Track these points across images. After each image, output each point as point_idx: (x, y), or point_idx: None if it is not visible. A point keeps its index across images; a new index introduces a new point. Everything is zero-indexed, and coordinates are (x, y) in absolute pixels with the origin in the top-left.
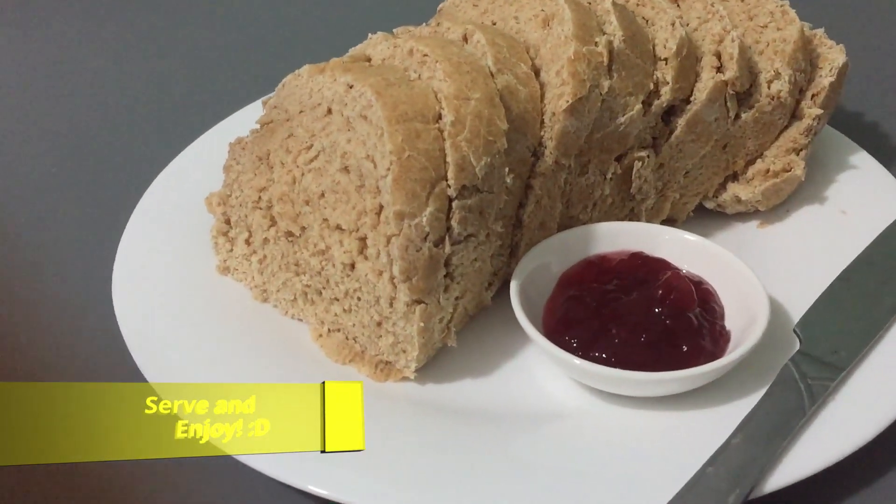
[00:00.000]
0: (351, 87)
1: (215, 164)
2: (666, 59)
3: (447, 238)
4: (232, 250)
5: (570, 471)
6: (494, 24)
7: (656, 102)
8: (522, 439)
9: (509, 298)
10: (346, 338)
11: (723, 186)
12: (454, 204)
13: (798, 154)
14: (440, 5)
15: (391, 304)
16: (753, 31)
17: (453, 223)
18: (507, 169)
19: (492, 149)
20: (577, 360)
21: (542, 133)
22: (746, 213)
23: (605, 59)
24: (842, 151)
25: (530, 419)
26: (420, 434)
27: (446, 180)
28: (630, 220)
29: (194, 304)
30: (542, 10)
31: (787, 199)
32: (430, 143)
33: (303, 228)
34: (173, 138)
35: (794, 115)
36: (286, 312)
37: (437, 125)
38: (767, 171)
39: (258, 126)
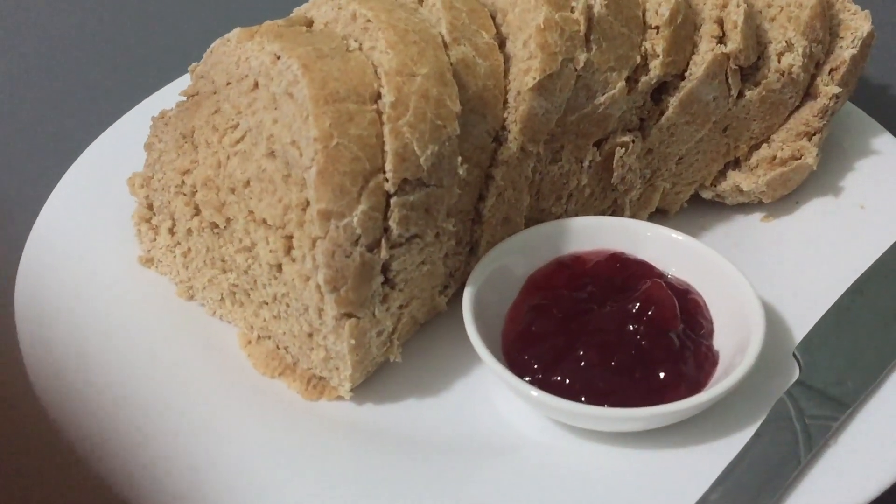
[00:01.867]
0: (278, 57)
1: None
2: (657, 28)
3: (384, 241)
4: (155, 240)
5: None
6: None
7: (644, 79)
8: (475, 475)
9: None
10: (278, 346)
11: (722, 174)
12: (393, 201)
13: (810, 139)
14: None
15: (320, 315)
16: None
17: (392, 223)
18: (459, 158)
19: (440, 135)
20: (535, 392)
21: (506, 115)
22: (749, 205)
23: (582, 28)
24: (863, 134)
25: (485, 451)
26: (355, 463)
27: (383, 173)
28: (613, 212)
29: (107, 301)
30: None
31: (795, 190)
32: (365, 128)
33: (228, 220)
34: (101, 113)
35: (808, 94)
36: (213, 313)
37: (374, 106)
38: (774, 157)
39: (184, 98)
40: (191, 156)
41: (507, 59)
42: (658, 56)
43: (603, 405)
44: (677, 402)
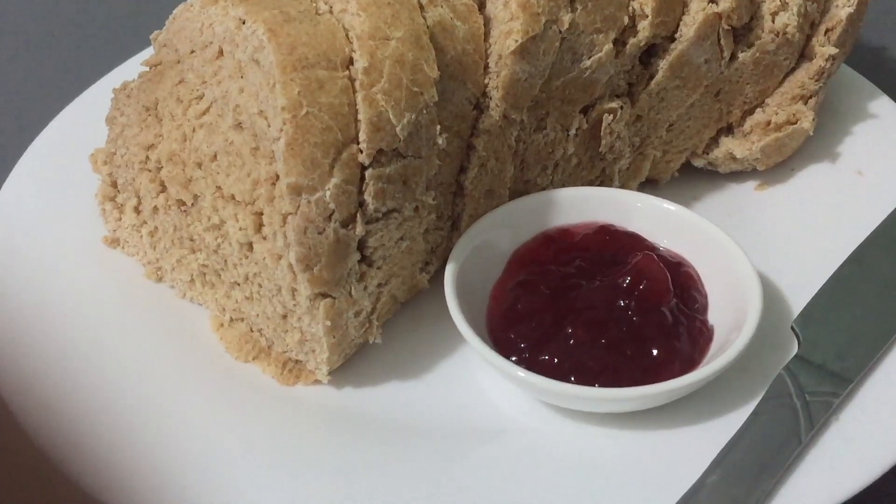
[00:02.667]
0: (243, 22)
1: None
2: None
3: (359, 216)
4: (121, 219)
5: (517, 500)
6: None
7: (632, 41)
8: (460, 460)
9: None
10: (251, 329)
11: (714, 141)
12: (368, 173)
13: (806, 102)
14: None
15: (293, 296)
16: None
17: (367, 197)
18: (438, 127)
19: (417, 102)
20: (522, 373)
21: (487, 81)
22: (742, 173)
23: None
24: (860, 97)
25: (470, 435)
26: (335, 451)
27: (357, 143)
28: (602, 182)
29: (71, 284)
30: None
31: (791, 157)
32: (337, 96)
33: (195, 197)
34: (64, 88)
35: (803, 55)
36: (184, 295)
37: (346, 73)
38: (769, 123)
39: (147, 69)
40: (154, 129)
41: (486, 22)
42: (647, 16)
43: (594, 385)
44: (671, 380)
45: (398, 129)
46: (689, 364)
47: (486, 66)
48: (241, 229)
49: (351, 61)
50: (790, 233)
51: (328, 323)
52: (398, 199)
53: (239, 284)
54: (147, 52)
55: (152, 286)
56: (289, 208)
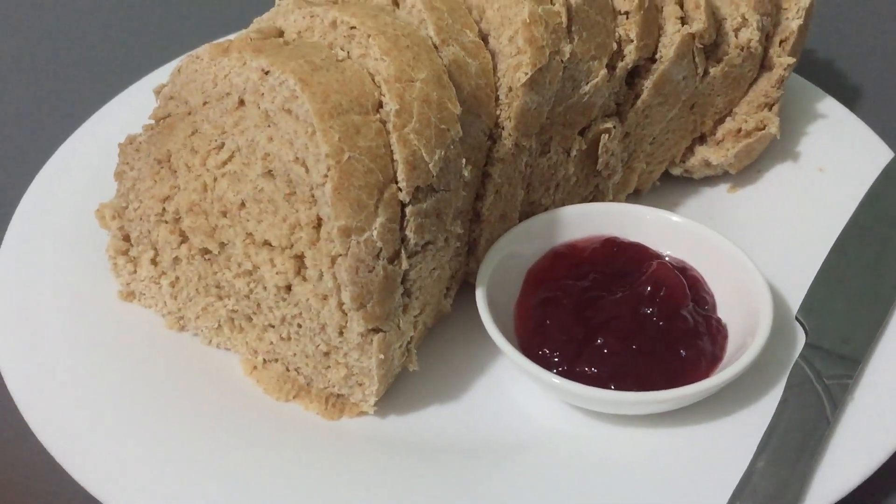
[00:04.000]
0: (267, 72)
1: (98, 163)
2: (626, 13)
3: (403, 251)
4: (135, 272)
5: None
6: None
7: (620, 64)
8: (510, 472)
9: (466, 301)
10: (287, 369)
11: (690, 150)
12: (408, 210)
13: (770, 109)
14: None
15: (341, 334)
16: None
17: (408, 233)
18: (464, 160)
19: (445, 139)
20: (573, 386)
21: (498, 112)
22: (715, 177)
23: (564, 20)
24: (810, 101)
25: (514, 447)
26: (389, 477)
27: (396, 183)
28: (595, 197)
29: (92, 344)
30: None
31: (757, 159)
32: (373, 139)
33: (222, 245)
34: (42, 136)
35: (763, 66)
36: (209, 342)
37: (377, 116)
38: (739, 130)
39: (152, 122)
40: (169, 181)
41: (492, 57)
42: (632, 41)
43: (632, 390)
44: (709, 378)
45: (431, 165)
46: (713, 361)
47: (497, 99)
48: (278, 273)
49: (380, 104)
50: (767, 229)
51: (381, 356)
52: (433, 232)
53: (274, 326)
54: (122, 95)
55: (174, 336)
56: (339, 250)
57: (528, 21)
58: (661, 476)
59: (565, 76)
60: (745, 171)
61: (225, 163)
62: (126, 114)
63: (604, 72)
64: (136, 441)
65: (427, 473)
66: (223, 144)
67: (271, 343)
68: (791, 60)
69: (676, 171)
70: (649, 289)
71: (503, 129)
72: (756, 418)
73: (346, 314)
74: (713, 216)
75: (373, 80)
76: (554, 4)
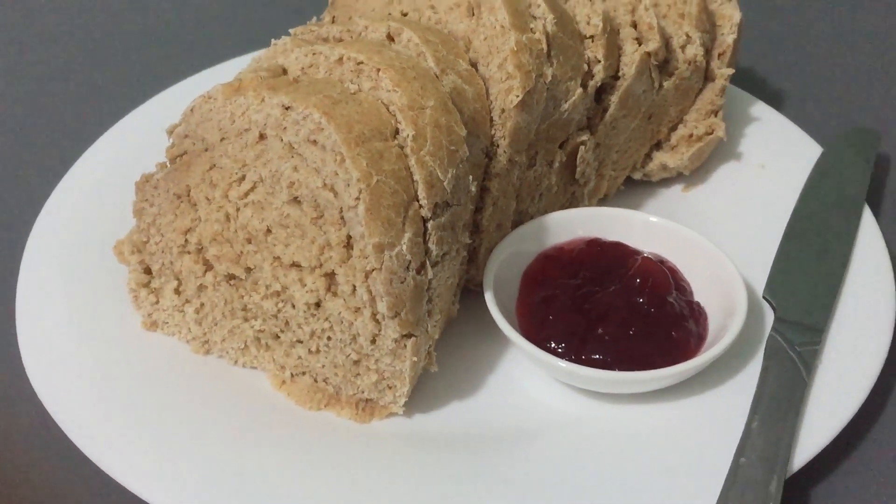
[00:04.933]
0: (288, 108)
1: (104, 191)
2: (592, 37)
3: (427, 262)
4: (158, 302)
5: (591, 482)
6: (405, 14)
7: (591, 83)
8: (533, 456)
9: (469, 305)
10: (315, 380)
11: (649, 156)
12: (430, 225)
13: (716, 115)
14: None
15: (374, 342)
16: None
17: (431, 245)
18: (471, 177)
19: (455, 158)
20: (593, 371)
21: (493, 132)
22: (670, 179)
23: (545, 46)
24: (745, 106)
25: (532, 433)
26: (422, 471)
27: (417, 200)
28: (572, 204)
29: (123, 371)
30: None
31: (706, 160)
32: (395, 163)
33: (248, 269)
34: (42, 172)
35: (706, 77)
36: (235, 362)
37: (396, 142)
38: (691, 135)
39: (166, 161)
40: (190, 214)
41: (484, 82)
42: (599, 61)
43: (634, 370)
44: (701, 355)
45: (445, 183)
46: (700, 340)
47: (491, 120)
48: (309, 291)
49: (397, 131)
50: (721, 222)
51: (414, 359)
52: (449, 243)
53: (302, 342)
54: (111, 132)
55: (200, 359)
56: (374, 264)
57: (515, 49)
58: (670, 444)
59: (548, 96)
60: (696, 171)
61: (247, 193)
62: (125, 141)
63: (580, 90)
64: (184, 457)
65: (454, 462)
66: (244, 176)
67: (299, 357)
68: (731, 71)
69: (637, 176)
70: (638, 281)
71: (498, 146)
72: (743, 386)
73: (380, 323)
74: (671, 214)
75: (387, 109)
76: (535, 33)
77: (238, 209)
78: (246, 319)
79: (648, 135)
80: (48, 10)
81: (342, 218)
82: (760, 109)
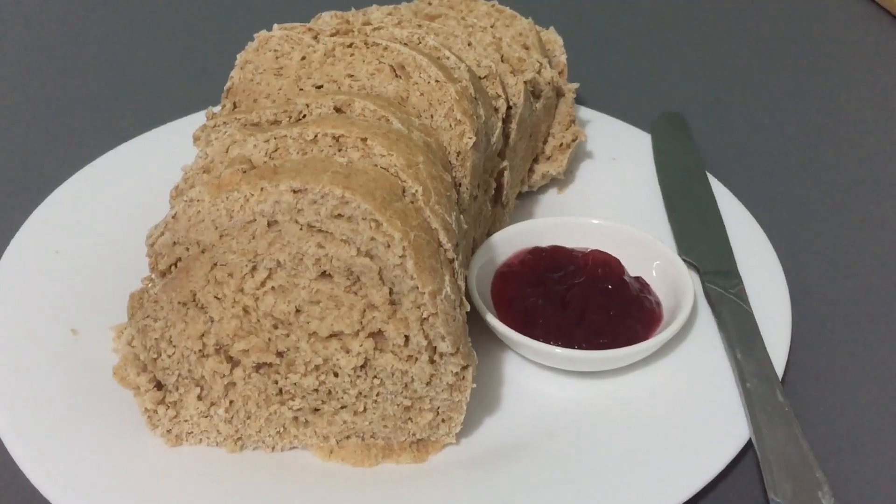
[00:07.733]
0: (297, 191)
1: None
2: (486, 77)
3: (462, 297)
4: (178, 415)
5: (637, 451)
6: (320, 87)
7: (500, 115)
8: (558, 452)
9: None
10: (363, 439)
11: (531, 170)
12: (455, 264)
13: (574, 124)
14: (228, 84)
15: (429, 384)
16: (484, 33)
17: (459, 282)
18: (462, 216)
19: (452, 202)
20: (582, 354)
21: (454, 174)
22: (544, 185)
23: (472, 91)
24: (579, 111)
25: (543, 433)
26: (491, 489)
27: (441, 246)
28: (496, 224)
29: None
30: (381, 62)
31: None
32: (417, 218)
33: (279, 354)
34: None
35: (558, 94)
36: (272, 449)
37: (408, 199)
38: (561, 144)
39: (152, 275)
40: (202, 318)
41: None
42: (501, 96)
43: (623, 346)
44: (674, 322)
45: (454, 226)
46: (659, 306)
47: (450, 164)
48: (356, 355)
49: (404, 190)
50: (603, 209)
51: (474, 385)
52: (462, 276)
53: (346, 406)
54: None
55: (234, 458)
56: (430, 310)
57: (457, 98)
58: (682, 398)
59: (484, 133)
60: (565, 175)
61: (264, 282)
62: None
63: (499, 124)
64: None
65: (511, 473)
66: (254, 267)
67: (344, 422)
68: (575, 85)
69: (524, 189)
70: (599, 270)
71: (461, 185)
72: (709, 333)
73: (436, 363)
74: (560, 214)
75: (388, 172)
76: (462, 81)
77: (257, 299)
78: (283, 403)
79: (531, 151)
80: None
81: (381, 278)
82: (591, 113)
